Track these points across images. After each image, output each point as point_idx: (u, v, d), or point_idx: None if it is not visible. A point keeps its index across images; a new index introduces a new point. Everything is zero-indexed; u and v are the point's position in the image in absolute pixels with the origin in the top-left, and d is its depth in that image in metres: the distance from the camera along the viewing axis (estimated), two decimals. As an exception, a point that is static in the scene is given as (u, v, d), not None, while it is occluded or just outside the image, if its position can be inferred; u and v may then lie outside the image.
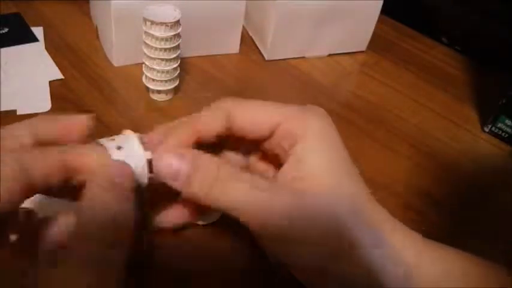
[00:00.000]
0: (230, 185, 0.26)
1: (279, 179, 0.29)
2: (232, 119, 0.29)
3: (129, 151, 0.27)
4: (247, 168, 0.33)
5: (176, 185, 0.27)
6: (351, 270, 0.26)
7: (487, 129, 0.50)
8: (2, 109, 0.44)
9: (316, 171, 0.27)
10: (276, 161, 0.31)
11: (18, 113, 0.44)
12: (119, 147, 0.28)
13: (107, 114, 0.45)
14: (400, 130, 0.49)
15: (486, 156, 0.47)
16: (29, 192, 0.24)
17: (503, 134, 0.49)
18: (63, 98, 0.47)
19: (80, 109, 0.46)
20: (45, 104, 0.45)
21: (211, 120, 0.29)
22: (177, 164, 0.27)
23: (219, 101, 0.30)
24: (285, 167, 0.29)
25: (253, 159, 0.33)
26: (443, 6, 0.66)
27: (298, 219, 0.26)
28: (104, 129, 0.44)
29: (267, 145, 0.30)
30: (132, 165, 0.27)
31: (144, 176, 0.27)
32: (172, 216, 0.30)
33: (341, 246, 0.26)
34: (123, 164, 0.26)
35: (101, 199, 0.24)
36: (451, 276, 0.27)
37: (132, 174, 0.27)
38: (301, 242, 0.26)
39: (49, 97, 0.46)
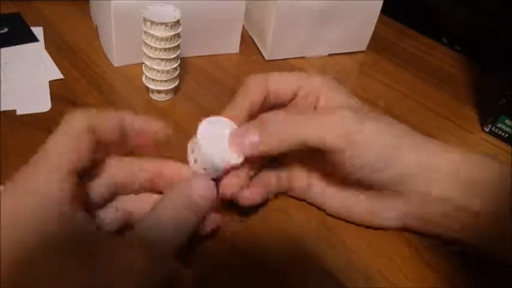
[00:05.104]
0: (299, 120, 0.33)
1: None
2: (269, 89, 0.36)
3: (205, 163, 0.32)
4: None
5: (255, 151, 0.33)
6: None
7: (487, 129, 0.50)
8: (2, 109, 0.44)
9: (346, 102, 0.36)
10: None
11: (18, 113, 0.44)
12: (195, 160, 0.33)
13: (107, 114, 0.45)
14: (400, 130, 0.49)
15: (486, 156, 0.47)
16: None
17: (503, 134, 0.49)
18: (63, 98, 0.47)
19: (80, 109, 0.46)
20: (45, 104, 0.45)
21: (258, 90, 0.36)
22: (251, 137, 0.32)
23: (255, 77, 0.36)
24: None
25: None
26: (443, 6, 0.66)
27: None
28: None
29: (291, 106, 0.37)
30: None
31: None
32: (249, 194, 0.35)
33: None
34: (208, 187, 0.31)
35: (173, 218, 0.28)
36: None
37: (213, 197, 0.31)
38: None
39: (49, 97, 0.46)
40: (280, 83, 0.37)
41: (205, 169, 0.33)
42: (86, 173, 0.29)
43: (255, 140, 0.32)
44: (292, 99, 0.37)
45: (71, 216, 0.25)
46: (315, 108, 0.36)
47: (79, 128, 0.28)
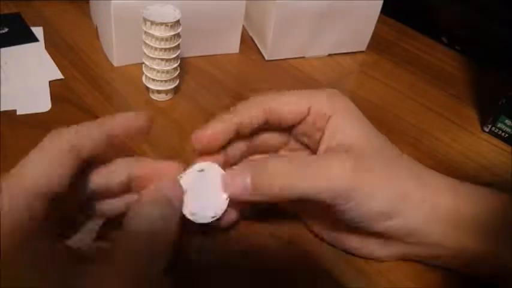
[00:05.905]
0: (302, 172, 0.30)
1: (321, 151, 0.34)
2: (269, 110, 0.33)
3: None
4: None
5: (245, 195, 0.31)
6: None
7: (487, 129, 0.50)
8: (2, 109, 0.44)
9: (353, 138, 0.33)
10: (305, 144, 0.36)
11: (18, 113, 0.44)
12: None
13: (107, 114, 0.45)
14: (400, 130, 0.49)
15: (486, 156, 0.47)
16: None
17: (503, 134, 0.49)
18: (63, 98, 0.47)
19: (80, 109, 0.46)
20: (45, 104, 0.46)
21: (250, 115, 0.33)
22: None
23: (255, 97, 0.34)
24: (324, 140, 0.34)
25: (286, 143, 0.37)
26: (443, 6, 0.66)
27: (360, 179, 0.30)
28: (104, 129, 0.44)
29: (298, 130, 0.35)
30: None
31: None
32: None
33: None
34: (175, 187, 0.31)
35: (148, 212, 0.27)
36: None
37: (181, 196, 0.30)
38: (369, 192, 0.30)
39: (49, 97, 0.46)
40: (284, 103, 0.34)
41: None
42: (61, 194, 0.27)
43: (246, 188, 0.31)
44: (300, 123, 0.34)
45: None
46: (323, 133, 0.34)
47: (61, 148, 0.27)
